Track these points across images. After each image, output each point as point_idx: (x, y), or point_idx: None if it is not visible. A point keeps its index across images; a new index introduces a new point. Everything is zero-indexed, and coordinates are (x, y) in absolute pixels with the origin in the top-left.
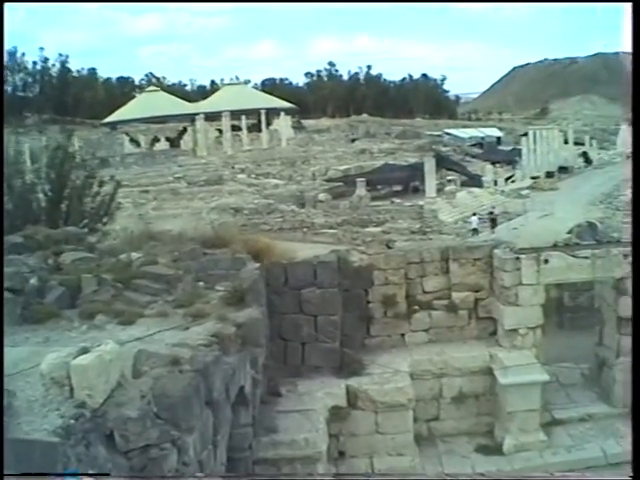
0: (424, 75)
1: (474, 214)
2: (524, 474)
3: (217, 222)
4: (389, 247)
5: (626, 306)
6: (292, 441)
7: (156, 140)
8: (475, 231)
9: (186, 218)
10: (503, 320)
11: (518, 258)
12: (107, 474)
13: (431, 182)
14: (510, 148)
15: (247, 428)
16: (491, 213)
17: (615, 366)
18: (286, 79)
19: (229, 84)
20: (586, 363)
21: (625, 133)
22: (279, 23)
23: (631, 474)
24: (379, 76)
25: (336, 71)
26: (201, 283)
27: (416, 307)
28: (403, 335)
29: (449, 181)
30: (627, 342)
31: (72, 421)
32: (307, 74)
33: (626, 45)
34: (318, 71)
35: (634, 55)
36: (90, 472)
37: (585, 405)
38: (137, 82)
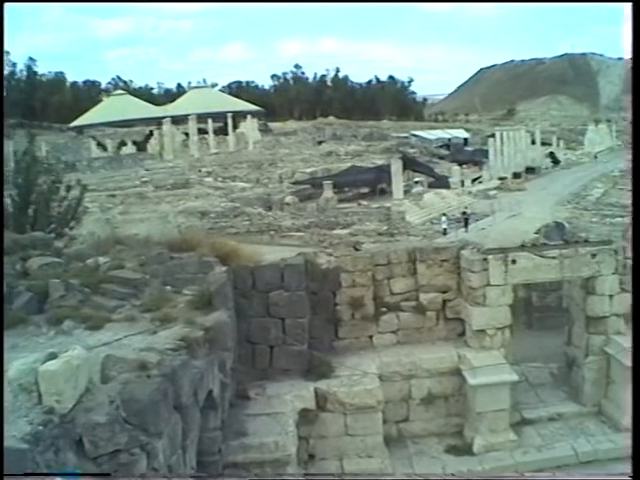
0: (391, 77)
1: (443, 215)
2: (495, 474)
3: (184, 226)
4: (356, 249)
5: (594, 305)
6: (261, 444)
7: (123, 144)
8: (444, 232)
9: (153, 222)
10: (471, 321)
11: (485, 259)
12: (107, 474)
13: (398, 184)
14: (474, 149)
15: (216, 432)
16: (464, 213)
17: (584, 365)
18: (253, 82)
19: (196, 87)
20: (555, 363)
21: (592, 133)
22: (246, 26)
23: (631, 474)
24: (346, 78)
25: (302, 74)
26: (168, 287)
27: (384, 309)
28: (371, 337)
29: (416, 183)
30: (595, 341)
31: (41, 427)
32: (273, 77)
33: (626, 45)
34: (284, 74)
35: (634, 55)
36: (90, 472)
37: (555, 404)
38: (104, 86)
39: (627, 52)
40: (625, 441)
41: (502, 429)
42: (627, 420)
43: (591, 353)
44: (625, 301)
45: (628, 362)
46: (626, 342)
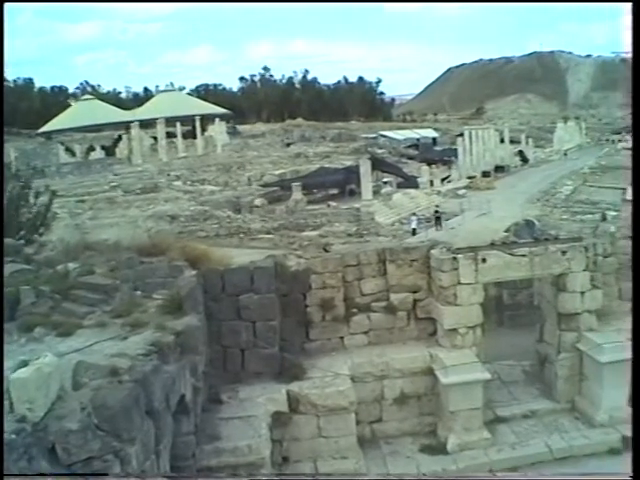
0: (359, 78)
1: (413, 214)
2: (469, 473)
3: (153, 230)
4: (326, 251)
5: (565, 302)
6: (235, 448)
7: (91, 149)
8: (414, 232)
9: (122, 227)
10: (442, 320)
11: (455, 258)
12: (107, 474)
13: (367, 184)
14: (442, 148)
15: (189, 436)
16: (437, 211)
17: (556, 362)
18: (221, 85)
19: (164, 91)
20: (527, 360)
21: (561, 131)
22: (215, 28)
23: (631, 474)
24: (314, 80)
25: (271, 76)
26: (139, 292)
27: (355, 310)
28: (342, 338)
29: (385, 183)
30: (567, 338)
31: (13, 436)
32: (241, 79)
33: (625, 45)
34: (252, 76)
35: (634, 55)
36: (90, 472)
37: (528, 402)
38: (72, 91)
39: (596, 49)
40: (599, 437)
41: (476, 427)
42: (601, 416)
43: (563, 350)
44: (597, 298)
45: (601, 358)
46: (598, 338)
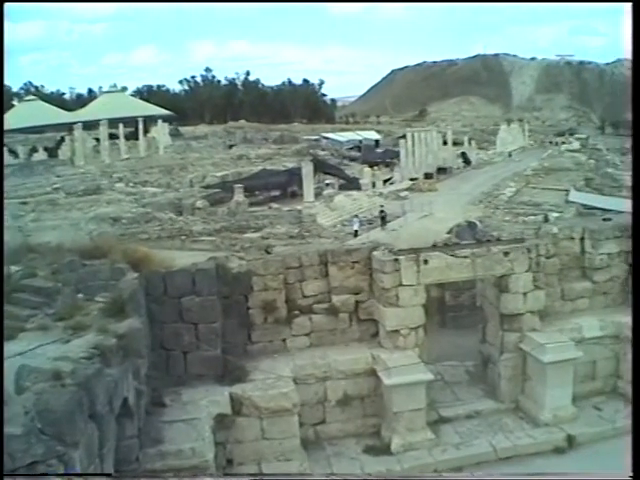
0: (304, 80)
1: (355, 216)
2: (414, 473)
3: (96, 232)
4: (268, 252)
5: (508, 303)
6: (179, 451)
7: (34, 150)
8: (355, 233)
9: (65, 229)
10: (384, 321)
11: (397, 259)
12: (108, 474)
13: (309, 186)
14: (384, 150)
15: (133, 440)
16: (382, 211)
17: (500, 362)
18: (164, 86)
19: (107, 92)
20: (471, 361)
21: (504, 133)
22: (158, 29)
23: (631, 474)
24: (257, 81)
25: (213, 77)
26: (81, 295)
27: (296, 312)
28: (285, 340)
29: (327, 185)
30: (510, 338)
31: None
32: (183, 80)
33: (626, 43)
34: (193, 77)
35: (634, 55)
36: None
37: (471, 402)
38: (15, 91)
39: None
40: (544, 436)
41: (419, 428)
42: (545, 415)
43: (506, 350)
44: (539, 298)
45: (544, 358)
46: (541, 338)
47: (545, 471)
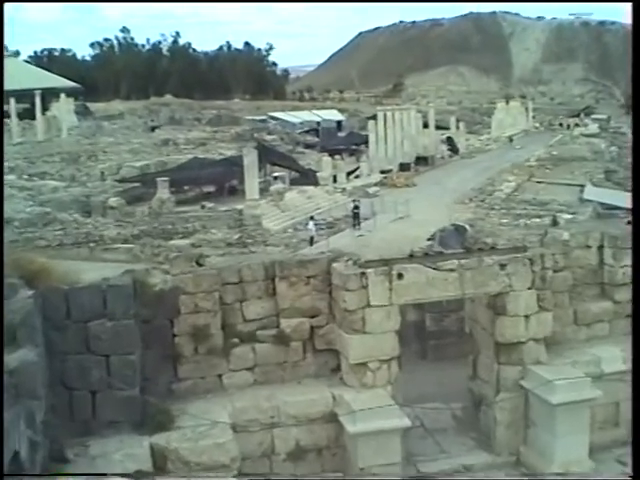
0: (245, 43)
1: (311, 218)
2: None
3: None
4: (200, 264)
5: (505, 329)
6: None
7: None
8: (311, 240)
9: None
10: (348, 352)
11: (364, 273)
12: (105, 474)
13: (252, 181)
14: (347, 134)
15: None
16: (356, 207)
17: (495, 404)
18: (70, 50)
19: None
20: (458, 402)
21: (501, 113)
22: None
23: (631, 474)
24: (187, 46)
25: (131, 39)
26: None
27: (236, 340)
28: (221, 376)
29: (275, 179)
30: (509, 374)
31: None
32: (94, 44)
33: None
34: (107, 40)
35: (634, 55)
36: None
37: (460, 454)
38: None
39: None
40: None
41: None
42: (554, 471)
43: (503, 389)
44: (545, 322)
45: (552, 398)
46: (548, 373)
47: None
